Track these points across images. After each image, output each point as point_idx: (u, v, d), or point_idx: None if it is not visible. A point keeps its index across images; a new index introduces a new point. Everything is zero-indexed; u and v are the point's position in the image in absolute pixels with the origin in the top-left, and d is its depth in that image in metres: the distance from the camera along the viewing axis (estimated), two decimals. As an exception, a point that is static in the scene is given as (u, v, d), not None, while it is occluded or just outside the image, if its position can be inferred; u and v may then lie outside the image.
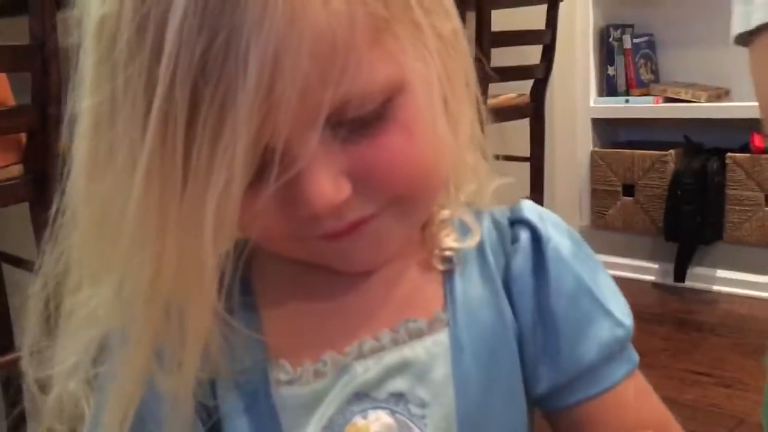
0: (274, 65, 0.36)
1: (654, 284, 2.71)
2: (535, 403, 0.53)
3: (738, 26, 0.73)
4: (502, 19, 2.15)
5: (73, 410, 0.50)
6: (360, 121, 0.41)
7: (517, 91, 2.37)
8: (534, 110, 2.37)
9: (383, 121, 0.42)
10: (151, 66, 0.37)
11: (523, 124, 2.37)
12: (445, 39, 0.46)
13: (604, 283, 0.53)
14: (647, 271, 2.75)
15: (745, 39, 0.73)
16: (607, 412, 0.51)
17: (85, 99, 0.42)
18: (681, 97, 2.61)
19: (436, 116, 0.45)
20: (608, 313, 0.52)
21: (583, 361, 0.51)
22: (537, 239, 0.52)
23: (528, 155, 2.39)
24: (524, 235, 0.53)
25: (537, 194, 2.37)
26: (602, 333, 0.51)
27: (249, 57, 0.36)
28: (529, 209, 0.54)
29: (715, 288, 2.58)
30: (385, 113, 0.42)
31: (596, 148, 2.83)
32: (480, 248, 0.52)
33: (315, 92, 0.38)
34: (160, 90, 0.37)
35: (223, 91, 0.37)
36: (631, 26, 2.85)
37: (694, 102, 2.56)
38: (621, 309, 0.52)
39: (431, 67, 0.44)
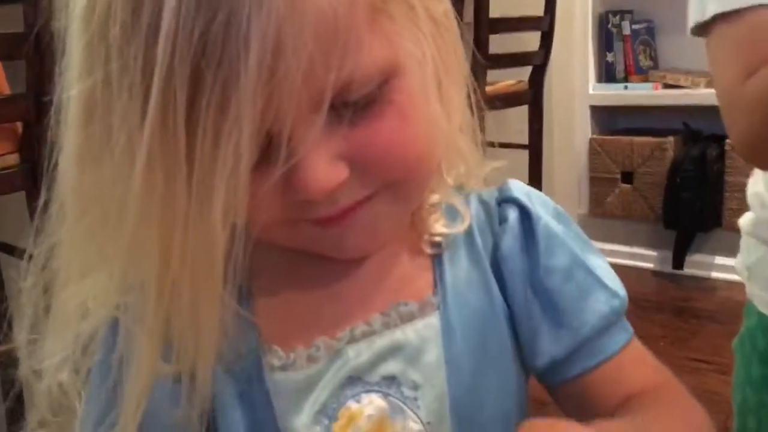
0: (277, 46, 0.36)
1: (653, 272, 2.71)
2: (537, 378, 0.54)
3: (694, 17, 0.73)
4: (500, 6, 2.14)
5: (65, 402, 0.49)
6: (356, 105, 0.41)
7: (516, 77, 2.36)
8: (532, 97, 2.36)
9: (379, 104, 0.42)
10: (148, 49, 0.36)
11: (522, 111, 2.37)
12: (438, 21, 0.46)
13: (594, 257, 0.53)
14: (646, 258, 2.75)
15: (701, 30, 0.73)
16: (608, 382, 0.52)
17: (73, 85, 0.41)
18: (680, 84, 2.61)
19: (430, 99, 0.45)
20: (603, 285, 0.52)
21: (582, 333, 0.51)
22: (526, 218, 0.53)
23: (526, 143, 2.38)
24: (513, 215, 0.53)
25: (535, 182, 2.37)
26: (599, 305, 0.52)
27: (250, 38, 0.35)
28: (517, 188, 0.54)
29: (714, 275, 2.58)
30: (380, 96, 0.42)
31: (595, 136, 2.82)
32: (468, 231, 0.53)
33: (318, 74, 0.38)
34: (158, 73, 0.36)
35: (224, 74, 0.36)
36: (630, 12, 2.83)
37: (694, 88, 2.55)
38: (614, 280, 0.53)
39: (425, 50, 0.44)
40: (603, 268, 0.53)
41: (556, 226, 0.53)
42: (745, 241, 0.84)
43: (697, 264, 2.63)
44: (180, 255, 0.40)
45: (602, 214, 2.80)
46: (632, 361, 0.52)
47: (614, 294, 0.52)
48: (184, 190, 0.38)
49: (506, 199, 0.54)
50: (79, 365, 0.49)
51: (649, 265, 2.74)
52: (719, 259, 2.57)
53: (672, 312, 2.35)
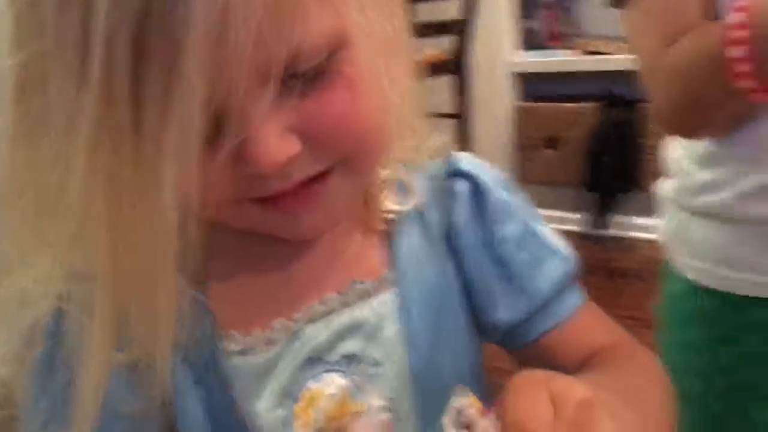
0: (224, 15, 0.34)
1: (578, 234, 2.79)
2: (498, 343, 0.55)
3: None
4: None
5: (10, 396, 0.47)
6: (305, 76, 0.40)
7: (439, 47, 2.36)
8: (456, 66, 2.37)
9: (328, 75, 0.41)
10: (86, 18, 0.34)
11: (446, 81, 2.38)
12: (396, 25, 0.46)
13: (541, 225, 0.55)
14: (571, 221, 2.82)
15: (618, 1, 0.75)
16: (566, 343, 0.53)
17: (3, 59, 0.38)
18: (602, 50, 2.66)
19: (378, 70, 0.44)
20: (554, 251, 0.54)
21: (538, 298, 0.53)
22: (476, 189, 0.53)
23: (451, 112, 2.40)
24: (463, 187, 0.53)
25: (462, 151, 2.38)
26: (552, 270, 0.53)
27: (195, 5, 0.34)
28: (466, 161, 0.55)
29: (636, 235, 2.67)
30: (329, 67, 0.41)
31: (519, 103, 2.86)
32: (420, 206, 0.53)
33: (268, 43, 0.37)
34: (97, 44, 0.34)
35: (169, 43, 0.34)
36: (551, -21, 2.87)
37: (615, 54, 2.61)
38: (563, 246, 0.55)
39: (372, 20, 0.43)
40: (551, 235, 0.55)
41: (506, 196, 0.54)
42: (665, 207, 0.87)
43: (619, 225, 2.72)
44: (130, 237, 0.39)
45: (528, 180, 2.85)
46: (587, 323, 0.54)
47: (565, 259, 0.54)
48: (131, 166, 0.36)
49: (455, 172, 0.54)
50: (23, 358, 0.47)
51: (575, 228, 2.81)
52: (640, 220, 2.66)
53: (598, 272, 2.42)
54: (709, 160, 0.77)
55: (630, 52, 0.76)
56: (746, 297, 0.77)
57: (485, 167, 0.55)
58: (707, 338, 0.81)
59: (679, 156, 0.82)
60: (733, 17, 0.64)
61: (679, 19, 0.70)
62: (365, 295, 0.50)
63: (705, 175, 0.78)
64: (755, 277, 0.77)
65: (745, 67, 0.64)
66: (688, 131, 0.76)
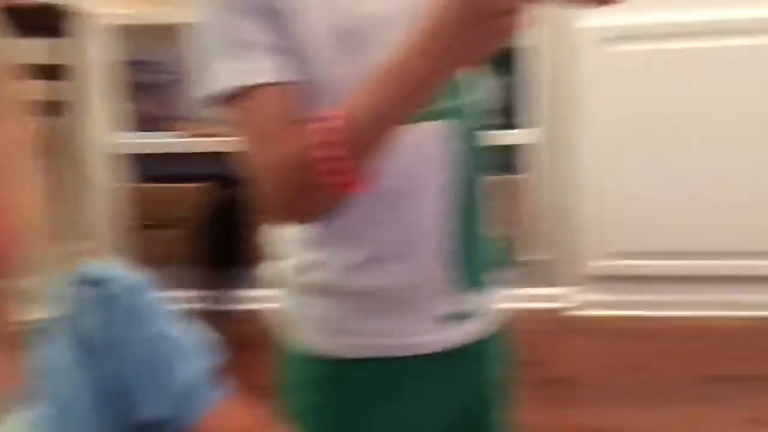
0: None
1: (203, 312, 2.81)
2: None
3: (208, 88, 0.82)
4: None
5: None
6: None
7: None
8: (57, 149, 2.27)
9: None
10: None
11: (46, 164, 2.26)
12: (13, 99, 0.46)
13: (179, 323, 0.58)
14: (192, 299, 2.84)
15: (213, 101, 0.83)
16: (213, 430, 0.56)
17: None
18: (212, 132, 2.74)
19: (13, 184, 0.43)
20: (192, 348, 0.57)
21: (178, 396, 0.55)
22: (117, 294, 0.54)
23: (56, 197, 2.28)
24: (104, 292, 0.54)
25: (77, 240, 2.28)
26: (190, 367, 0.56)
27: None
28: (105, 267, 0.56)
29: (252, 307, 2.77)
30: None
31: (132, 185, 2.82)
32: (61, 314, 0.52)
33: None
34: None
35: None
36: (159, 62, 2.90)
37: (226, 136, 2.71)
38: (202, 341, 0.59)
39: (7, 133, 0.42)
40: (191, 330, 0.58)
41: (144, 298, 0.56)
42: (280, 284, 0.94)
43: (236, 299, 2.81)
44: None
45: (147, 263, 2.78)
46: (227, 411, 0.58)
47: (205, 354, 0.58)
48: None
49: (94, 277, 0.54)
50: None
51: (199, 306, 2.83)
52: (255, 293, 2.76)
53: (227, 345, 2.45)
54: (315, 241, 0.87)
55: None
56: (356, 359, 0.87)
57: (125, 271, 0.56)
58: (326, 401, 0.89)
59: (289, 238, 0.90)
60: (326, 123, 0.74)
61: (276, 120, 0.79)
62: (2, 412, 0.47)
63: (312, 255, 0.87)
64: (361, 341, 0.88)
65: (337, 165, 0.73)
66: (289, 219, 0.85)
